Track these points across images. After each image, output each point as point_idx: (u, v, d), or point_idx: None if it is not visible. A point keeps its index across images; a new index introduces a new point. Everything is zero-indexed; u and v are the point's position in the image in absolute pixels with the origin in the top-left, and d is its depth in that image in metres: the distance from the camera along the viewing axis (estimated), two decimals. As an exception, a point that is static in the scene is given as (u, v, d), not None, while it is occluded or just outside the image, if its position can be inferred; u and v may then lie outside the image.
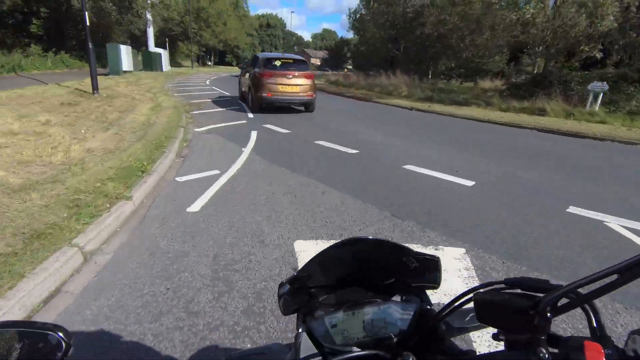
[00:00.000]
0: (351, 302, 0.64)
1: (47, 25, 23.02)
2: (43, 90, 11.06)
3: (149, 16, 28.08)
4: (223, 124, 8.16)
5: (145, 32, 29.60)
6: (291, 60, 10.28)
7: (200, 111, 10.02)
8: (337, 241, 0.64)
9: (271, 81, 9.68)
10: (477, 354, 0.54)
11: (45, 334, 0.49)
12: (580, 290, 0.45)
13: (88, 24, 10.24)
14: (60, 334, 0.49)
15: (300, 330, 0.62)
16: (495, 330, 0.52)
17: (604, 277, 0.43)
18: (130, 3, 26.33)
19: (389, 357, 0.56)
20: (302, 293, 0.67)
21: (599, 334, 0.44)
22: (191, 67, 41.77)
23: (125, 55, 20.78)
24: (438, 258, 0.66)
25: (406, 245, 0.65)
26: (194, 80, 22.72)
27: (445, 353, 0.58)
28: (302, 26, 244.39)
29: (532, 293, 0.49)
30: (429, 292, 0.69)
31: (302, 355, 0.58)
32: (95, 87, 10.77)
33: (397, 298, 0.65)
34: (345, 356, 0.56)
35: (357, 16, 32.40)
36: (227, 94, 15.14)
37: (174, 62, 49.96)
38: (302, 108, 10.90)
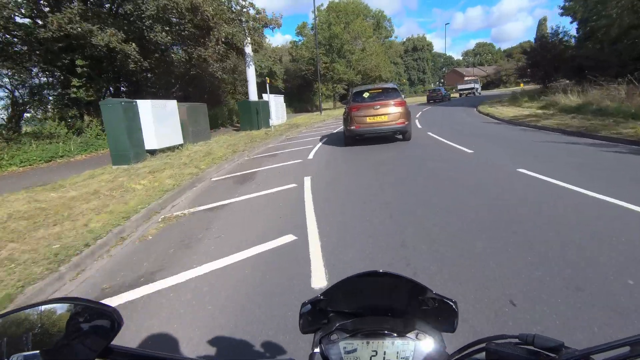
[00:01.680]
0: (368, 331, 0.65)
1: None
2: None
3: (247, 51, 19.24)
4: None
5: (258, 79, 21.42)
6: (380, 90, 10.04)
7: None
8: (362, 272, 0.65)
9: (359, 113, 9.54)
10: None
11: (102, 312, 0.54)
12: (593, 357, 0.47)
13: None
14: (115, 315, 0.54)
15: (315, 350, 0.65)
16: None
17: (616, 348, 0.46)
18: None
19: None
20: (321, 315, 0.69)
21: None
22: (319, 112, 32.33)
23: (150, 117, 10.23)
24: (455, 302, 0.65)
25: (427, 286, 0.65)
26: (303, 138, 13.97)
27: None
28: (449, 47, 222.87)
29: (544, 352, 0.52)
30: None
31: None
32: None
33: (412, 335, 0.64)
34: None
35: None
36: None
37: (304, 107, 42.39)
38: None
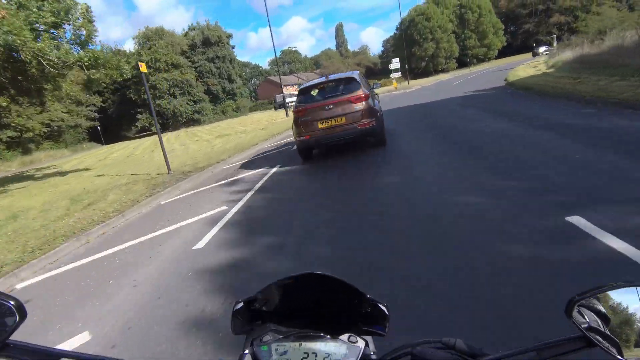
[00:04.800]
0: (300, 334, 0.65)
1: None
2: None
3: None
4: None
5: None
6: (332, 83, 7.71)
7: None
8: (298, 273, 0.66)
9: (307, 118, 7.36)
10: None
11: (0, 303, 0.50)
12: None
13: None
14: (15, 308, 0.50)
15: (245, 352, 0.65)
16: None
17: (524, 353, 0.51)
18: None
19: None
20: (254, 316, 0.69)
21: None
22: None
23: None
24: (387, 306, 0.66)
25: (362, 290, 0.65)
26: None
27: None
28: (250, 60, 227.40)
29: (464, 357, 0.55)
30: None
31: None
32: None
33: (344, 337, 0.65)
34: None
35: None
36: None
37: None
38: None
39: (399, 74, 34.83)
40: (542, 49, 42.31)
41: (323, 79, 8.02)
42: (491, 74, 28.90)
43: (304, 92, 7.86)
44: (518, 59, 44.58)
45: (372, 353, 0.64)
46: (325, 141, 7.49)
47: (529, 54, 47.96)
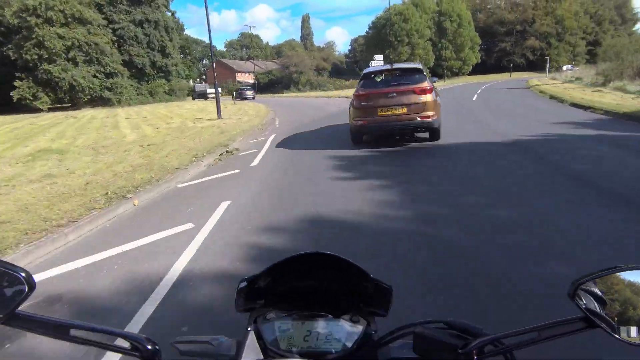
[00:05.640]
0: (303, 313, 0.67)
1: None
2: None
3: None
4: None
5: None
6: (397, 72, 7.87)
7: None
8: (303, 252, 0.66)
9: (367, 103, 7.40)
10: None
11: (10, 275, 0.50)
12: (504, 340, 0.53)
13: None
14: (24, 279, 0.49)
15: (249, 329, 0.66)
16: None
17: (526, 333, 0.52)
18: None
19: None
20: (258, 295, 0.69)
21: None
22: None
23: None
24: (391, 287, 0.66)
25: (365, 270, 0.66)
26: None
27: None
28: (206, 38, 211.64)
29: (465, 336, 0.55)
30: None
31: (245, 354, 0.61)
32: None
33: (346, 317, 0.66)
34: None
35: None
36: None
37: None
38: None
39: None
40: (565, 67, 45.16)
41: (388, 66, 8.56)
42: (471, 88, 22.90)
43: (367, 77, 7.90)
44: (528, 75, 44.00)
45: (373, 332, 0.65)
46: (382, 129, 7.60)
47: (514, 73, 43.85)
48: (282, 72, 57.34)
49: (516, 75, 51.02)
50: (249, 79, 63.77)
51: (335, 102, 23.71)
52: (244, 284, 0.66)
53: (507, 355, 0.53)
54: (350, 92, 34.68)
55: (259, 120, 14.47)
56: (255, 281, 0.66)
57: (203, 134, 10.81)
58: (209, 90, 38.87)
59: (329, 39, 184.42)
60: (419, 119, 7.05)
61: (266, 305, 0.69)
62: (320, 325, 0.64)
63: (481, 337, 0.53)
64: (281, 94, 49.44)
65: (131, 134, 12.00)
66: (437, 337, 0.56)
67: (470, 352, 0.51)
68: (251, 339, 0.63)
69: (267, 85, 58.05)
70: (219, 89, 17.34)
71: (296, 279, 0.68)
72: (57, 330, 0.52)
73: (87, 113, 24.53)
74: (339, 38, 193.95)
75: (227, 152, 8.37)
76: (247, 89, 40.21)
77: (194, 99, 41.31)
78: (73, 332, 0.53)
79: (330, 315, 0.65)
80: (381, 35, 53.86)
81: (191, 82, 57.10)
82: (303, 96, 39.63)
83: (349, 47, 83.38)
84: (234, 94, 31.33)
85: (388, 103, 7.12)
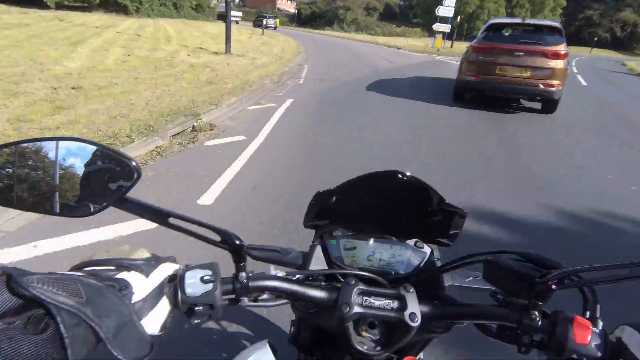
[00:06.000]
0: (368, 234, 0.67)
1: None
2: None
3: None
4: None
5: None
6: (530, 28, 6.75)
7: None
8: (382, 170, 0.63)
9: (487, 58, 6.54)
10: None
11: (120, 161, 0.52)
12: (587, 275, 0.48)
13: None
14: (135, 166, 0.52)
15: (315, 243, 0.67)
16: (494, 290, 0.56)
17: (615, 268, 0.45)
18: None
19: (389, 285, 0.58)
20: (326, 212, 0.69)
21: (591, 315, 0.49)
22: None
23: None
24: (465, 214, 0.64)
25: (439, 193, 0.62)
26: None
27: (442, 301, 0.59)
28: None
29: (539, 268, 0.51)
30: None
31: (312, 266, 0.64)
32: None
33: (410, 242, 0.66)
34: (353, 272, 0.58)
35: None
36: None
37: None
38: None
39: (446, 28, 21.61)
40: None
41: (519, 20, 7.46)
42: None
43: (493, 28, 6.94)
44: None
45: (436, 260, 0.65)
46: (494, 90, 6.74)
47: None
48: (328, 4, 50.16)
49: (596, 52, 42.85)
50: (290, 7, 56.84)
51: (384, 54, 18.74)
52: (318, 197, 0.67)
53: (586, 290, 0.50)
54: (403, 42, 28.81)
55: (279, 66, 10.19)
56: (328, 196, 0.66)
57: (179, 81, 6.83)
58: (233, 13, 33.48)
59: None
60: (541, 86, 6.26)
61: (333, 223, 0.69)
62: (384, 247, 0.65)
63: (555, 269, 0.49)
64: (322, 31, 43.35)
65: (81, 59, 8.02)
66: (512, 265, 0.53)
67: (547, 282, 0.48)
68: (317, 252, 0.65)
69: (308, 19, 51.44)
70: (238, 13, 12.76)
71: (368, 197, 0.67)
72: (158, 215, 0.54)
73: (87, 19, 20.37)
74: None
75: (184, 132, 4.49)
76: (269, 17, 34.62)
77: (218, 19, 36.20)
78: (171, 220, 0.53)
79: (394, 239, 0.66)
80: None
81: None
82: (346, 37, 34.00)
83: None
84: (255, 21, 26.16)
85: (511, 62, 6.37)
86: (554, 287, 0.47)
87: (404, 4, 65.75)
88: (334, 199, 0.66)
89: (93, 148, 0.52)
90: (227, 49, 11.03)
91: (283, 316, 1.73)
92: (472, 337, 0.70)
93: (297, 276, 0.58)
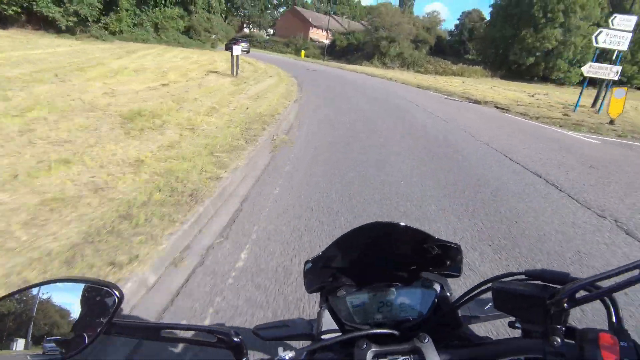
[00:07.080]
0: (373, 285, 0.65)
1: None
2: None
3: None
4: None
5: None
6: None
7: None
8: (359, 225, 0.64)
9: None
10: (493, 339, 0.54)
11: (101, 289, 0.54)
12: (599, 283, 0.46)
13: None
14: (115, 291, 0.53)
15: (322, 307, 0.66)
16: (512, 319, 0.54)
17: (625, 272, 0.43)
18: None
19: (405, 337, 0.57)
20: (325, 273, 0.69)
21: (616, 327, 0.45)
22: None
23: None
24: (459, 246, 0.65)
25: (428, 232, 0.64)
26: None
27: (462, 339, 0.58)
28: None
29: (552, 285, 0.49)
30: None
31: (322, 332, 0.62)
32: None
33: (417, 283, 0.65)
34: (364, 332, 0.57)
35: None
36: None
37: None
38: None
39: (613, 71, 12.65)
40: None
41: None
42: None
43: None
44: None
45: (449, 295, 0.63)
46: None
47: None
48: (368, 35, 42.50)
49: None
50: (323, 38, 50.37)
51: (449, 112, 10.33)
52: (309, 265, 0.67)
53: (605, 300, 0.46)
54: (459, 83, 18.37)
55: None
56: (320, 260, 0.67)
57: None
58: (242, 44, 26.10)
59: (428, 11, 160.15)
60: None
61: (334, 283, 0.68)
62: (393, 295, 0.62)
63: (569, 282, 0.47)
64: (359, 66, 35.70)
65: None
66: (519, 290, 0.51)
67: (559, 301, 0.46)
68: (326, 317, 0.63)
69: (343, 51, 44.34)
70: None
71: (360, 252, 0.67)
72: (149, 332, 0.54)
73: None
74: (441, 13, 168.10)
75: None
76: (241, 40, 30.37)
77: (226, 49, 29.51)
78: (164, 333, 0.54)
79: (400, 284, 0.65)
80: (512, 9, 37.30)
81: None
82: (386, 77, 24.99)
83: (457, 21, 65.63)
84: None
85: None
86: (566, 306, 0.46)
87: (451, 39, 56.93)
88: (328, 259, 0.68)
89: (73, 285, 0.55)
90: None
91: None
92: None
93: (305, 354, 0.55)
